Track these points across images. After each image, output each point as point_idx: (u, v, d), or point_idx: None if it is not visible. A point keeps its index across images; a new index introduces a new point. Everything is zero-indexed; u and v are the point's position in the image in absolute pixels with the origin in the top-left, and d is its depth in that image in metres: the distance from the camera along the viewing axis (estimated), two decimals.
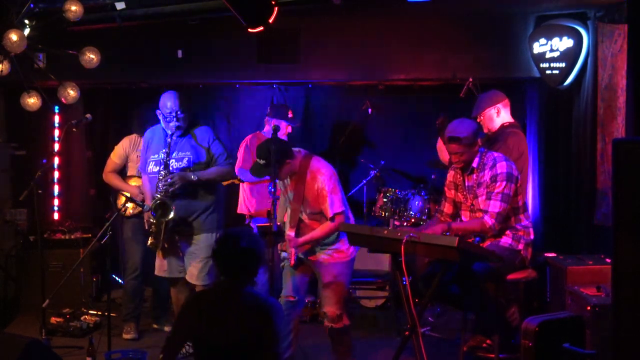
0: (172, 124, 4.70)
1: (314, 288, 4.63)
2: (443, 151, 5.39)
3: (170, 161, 4.74)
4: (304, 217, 4.30)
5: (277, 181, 4.24)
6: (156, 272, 4.94)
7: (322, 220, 4.28)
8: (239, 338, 2.99)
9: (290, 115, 5.63)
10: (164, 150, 4.75)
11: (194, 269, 4.74)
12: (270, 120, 5.59)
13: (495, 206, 4.18)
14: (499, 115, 4.97)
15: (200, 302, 3.15)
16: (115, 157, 5.43)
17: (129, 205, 5.11)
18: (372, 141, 6.91)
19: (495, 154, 4.34)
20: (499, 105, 4.97)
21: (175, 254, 4.81)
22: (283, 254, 4.35)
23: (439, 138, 5.40)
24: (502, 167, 4.23)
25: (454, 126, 4.32)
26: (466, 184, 4.40)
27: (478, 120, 4.98)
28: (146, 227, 4.85)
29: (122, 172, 5.46)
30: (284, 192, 4.41)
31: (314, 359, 4.76)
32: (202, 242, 4.75)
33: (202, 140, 4.79)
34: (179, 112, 4.68)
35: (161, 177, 4.67)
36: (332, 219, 4.21)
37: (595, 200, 5.48)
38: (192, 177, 4.69)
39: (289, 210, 4.36)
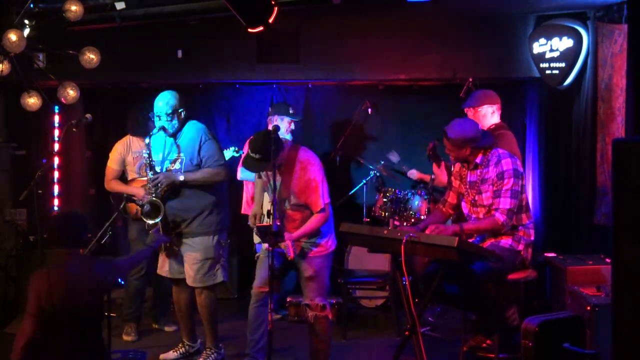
0: (157, 124, 4.68)
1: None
2: (439, 176, 5.45)
3: (165, 163, 4.72)
4: (287, 208, 4.31)
5: (262, 173, 4.33)
6: (158, 271, 4.93)
7: (303, 211, 4.29)
8: (90, 300, 3.49)
9: (291, 111, 5.64)
10: (161, 153, 4.73)
11: (191, 271, 4.71)
12: (272, 118, 5.61)
13: (505, 203, 4.16)
14: (493, 116, 4.99)
15: (48, 277, 3.42)
16: (113, 163, 5.32)
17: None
18: (372, 141, 6.91)
19: (500, 151, 4.32)
20: (496, 107, 5.00)
21: (177, 255, 4.80)
22: (257, 246, 4.32)
23: (434, 164, 5.43)
24: (507, 164, 4.22)
25: (452, 123, 4.33)
26: (469, 179, 4.39)
27: (469, 111, 4.99)
28: (146, 228, 4.84)
29: (122, 178, 5.42)
30: (265, 183, 4.42)
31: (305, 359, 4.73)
32: (199, 245, 4.71)
33: (194, 141, 4.70)
34: (163, 113, 4.64)
35: (149, 178, 4.65)
36: (322, 210, 4.24)
37: (595, 200, 5.48)
38: (180, 177, 4.63)
39: (267, 202, 4.37)
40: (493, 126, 4.94)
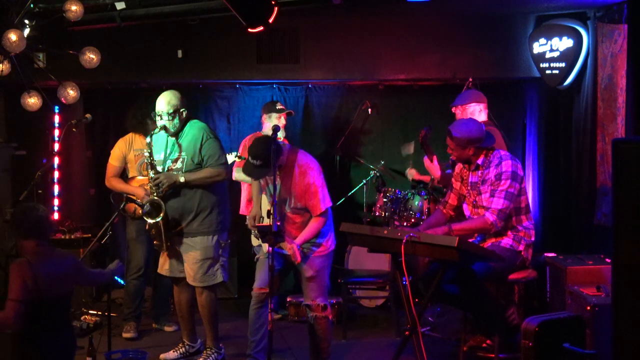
0: (158, 123, 4.68)
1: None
2: (431, 169, 5.45)
3: (166, 162, 4.72)
4: (288, 211, 4.32)
5: (267, 178, 4.30)
6: (158, 270, 4.94)
7: (303, 214, 4.30)
8: (68, 287, 3.67)
9: (278, 107, 5.62)
10: (162, 152, 4.73)
11: (191, 270, 4.71)
12: (262, 118, 5.63)
13: (498, 203, 4.17)
14: (480, 114, 5.01)
15: (30, 265, 3.50)
16: (114, 160, 5.36)
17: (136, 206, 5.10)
18: (372, 141, 6.91)
19: (502, 152, 4.33)
20: (483, 105, 5.03)
21: (177, 254, 4.80)
22: (256, 248, 4.31)
23: (426, 156, 5.42)
24: (507, 166, 4.23)
25: (457, 123, 4.36)
26: (470, 180, 4.39)
27: (457, 109, 5.01)
28: (147, 227, 4.84)
29: (123, 175, 5.43)
30: (264, 185, 4.43)
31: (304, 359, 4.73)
32: (199, 244, 4.71)
33: (196, 140, 4.68)
34: (165, 112, 4.64)
35: (150, 178, 4.65)
36: (323, 214, 4.25)
37: (595, 200, 5.48)
38: (180, 178, 4.62)
39: (265, 203, 4.37)
40: (481, 122, 4.97)
